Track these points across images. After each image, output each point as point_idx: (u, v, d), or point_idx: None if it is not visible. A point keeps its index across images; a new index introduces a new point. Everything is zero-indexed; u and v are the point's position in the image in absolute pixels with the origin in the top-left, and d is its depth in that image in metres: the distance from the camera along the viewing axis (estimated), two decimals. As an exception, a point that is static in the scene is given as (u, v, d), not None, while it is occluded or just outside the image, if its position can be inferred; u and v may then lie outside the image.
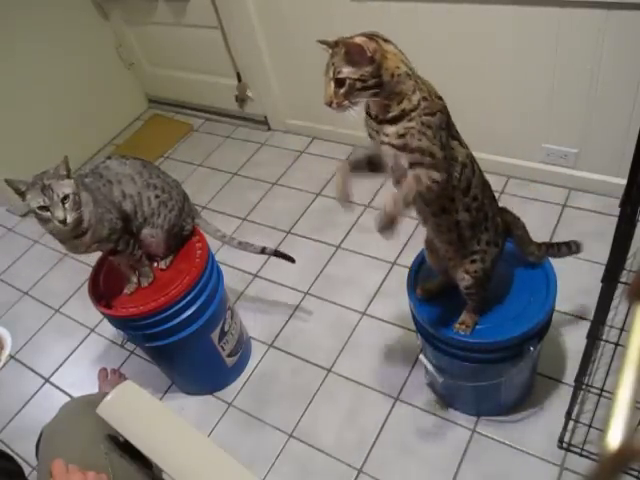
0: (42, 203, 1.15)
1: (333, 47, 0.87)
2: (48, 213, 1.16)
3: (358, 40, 0.83)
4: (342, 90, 0.86)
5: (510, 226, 1.18)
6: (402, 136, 0.89)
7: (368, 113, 0.94)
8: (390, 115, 0.89)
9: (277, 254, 1.65)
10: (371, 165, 1.03)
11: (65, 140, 2.69)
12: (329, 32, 2.25)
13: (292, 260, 1.65)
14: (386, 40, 0.88)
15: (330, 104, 0.88)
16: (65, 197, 1.17)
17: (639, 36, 1.51)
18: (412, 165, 0.91)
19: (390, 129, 0.90)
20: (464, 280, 1.12)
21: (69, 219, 1.17)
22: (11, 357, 1.86)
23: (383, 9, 1.89)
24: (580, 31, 1.59)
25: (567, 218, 1.88)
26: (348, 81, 0.85)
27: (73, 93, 2.73)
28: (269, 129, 2.70)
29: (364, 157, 1.03)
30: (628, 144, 1.58)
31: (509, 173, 2.06)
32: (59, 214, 1.16)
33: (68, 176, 1.19)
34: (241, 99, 2.65)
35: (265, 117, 2.67)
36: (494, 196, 1.11)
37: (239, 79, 2.59)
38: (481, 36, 1.77)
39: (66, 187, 1.17)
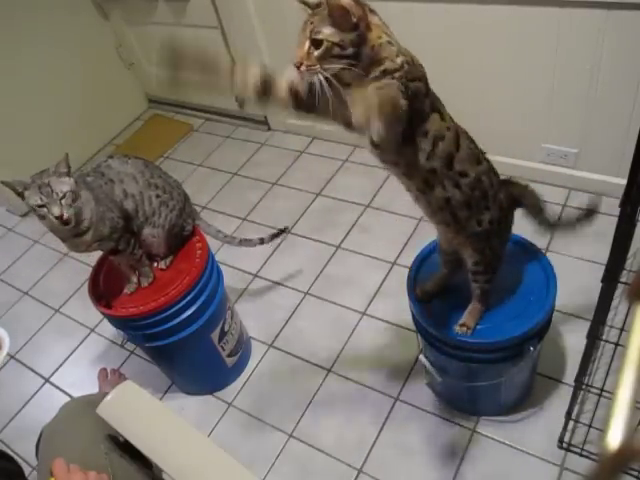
0: (40, 201, 1.16)
1: (314, 7, 0.80)
2: (46, 209, 1.17)
3: (345, 2, 0.76)
4: (317, 52, 0.78)
5: (519, 198, 1.14)
6: (380, 88, 0.82)
7: (335, 83, 0.83)
8: (370, 77, 0.82)
9: (273, 236, 1.71)
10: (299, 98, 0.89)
11: (65, 140, 2.69)
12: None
13: (285, 229, 1.75)
14: (372, 10, 0.83)
15: (299, 66, 0.80)
16: (63, 195, 1.17)
17: (639, 36, 1.51)
18: (383, 73, 0.83)
19: (370, 85, 0.82)
20: (472, 257, 1.09)
21: (66, 215, 1.17)
22: (10, 357, 1.86)
23: (381, 9, 1.87)
24: (580, 31, 1.59)
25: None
26: (325, 43, 0.78)
27: (73, 93, 2.73)
28: (269, 129, 2.70)
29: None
30: (628, 144, 1.58)
31: (509, 173, 2.03)
32: (55, 210, 1.16)
33: (68, 173, 1.19)
34: (241, 99, 2.64)
35: (265, 117, 2.67)
36: (495, 172, 1.08)
37: (239, 79, 2.58)
38: (481, 36, 1.77)
39: (64, 184, 1.17)
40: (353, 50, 0.79)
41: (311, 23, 0.79)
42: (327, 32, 0.78)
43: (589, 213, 1.22)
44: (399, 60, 0.83)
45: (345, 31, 0.78)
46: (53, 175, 1.17)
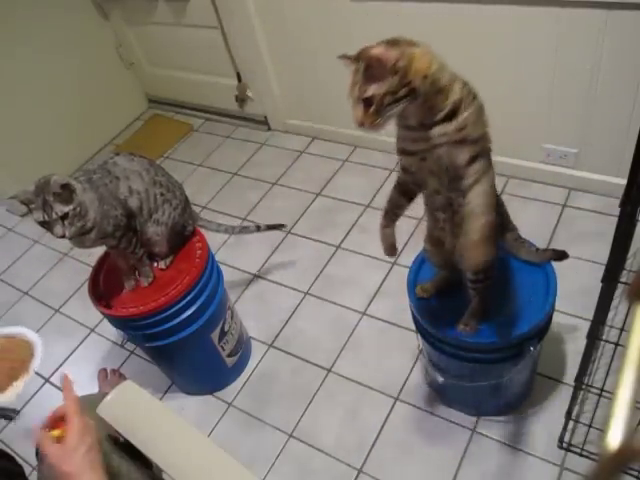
0: (42, 219, 1.16)
1: (354, 60, 0.80)
2: (48, 227, 1.18)
3: (376, 52, 0.77)
4: (372, 109, 0.79)
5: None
6: (462, 129, 0.84)
7: (405, 126, 0.89)
8: (443, 114, 0.84)
9: (270, 227, 1.78)
10: (408, 195, 1.01)
11: (65, 140, 2.69)
12: (329, 32, 2.26)
13: (283, 226, 1.85)
14: (411, 43, 0.81)
15: (362, 125, 0.81)
16: (64, 215, 1.17)
17: (639, 36, 1.51)
18: (473, 159, 0.87)
19: (448, 127, 0.84)
20: (475, 271, 1.09)
21: (68, 235, 1.19)
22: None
23: (383, 9, 1.89)
24: (580, 31, 1.59)
25: (567, 218, 1.88)
26: (376, 98, 0.78)
27: (73, 93, 2.73)
28: (269, 129, 2.70)
29: (397, 200, 1.02)
30: (628, 144, 1.58)
31: (509, 173, 2.06)
32: (58, 231, 1.17)
33: (68, 200, 1.17)
34: (241, 99, 2.65)
35: (265, 117, 2.67)
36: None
37: (239, 79, 2.59)
38: (481, 36, 1.77)
39: (65, 206, 1.17)
40: (405, 89, 0.78)
41: (355, 83, 0.80)
42: (372, 88, 0.78)
43: (558, 254, 1.22)
44: (457, 88, 0.84)
45: (387, 78, 0.77)
46: (54, 195, 1.15)
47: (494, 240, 0.93)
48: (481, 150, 0.88)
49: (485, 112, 0.88)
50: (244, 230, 1.74)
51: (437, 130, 0.85)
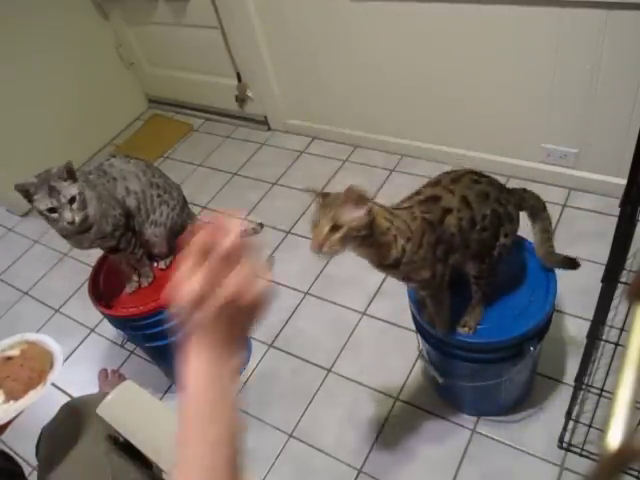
0: (50, 205, 1.16)
1: (323, 197, 0.95)
2: (56, 214, 1.17)
3: (355, 191, 0.88)
4: (338, 235, 0.89)
5: (519, 203, 1.17)
6: (407, 275, 1.03)
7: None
8: (387, 263, 1.00)
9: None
10: None
11: (65, 140, 2.69)
12: (329, 32, 2.26)
13: (261, 225, 1.86)
14: (369, 198, 0.93)
15: (320, 248, 0.90)
16: (72, 198, 1.17)
17: (639, 36, 1.51)
18: (432, 269, 1.03)
19: (395, 272, 1.02)
20: (475, 268, 1.12)
21: (77, 220, 1.19)
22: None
23: (383, 9, 1.89)
24: (580, 31, 1.59)
25: (567, 218, 1.88)
26: (346, 228, 0.89)
27: (73, 93, 2.73)
28: (269, 129, 2.70)
29: None
30: (628, 144, 1.58)
31: (509, 173, 2.06)
32: (67, 216, 1.17)
33: (74, 179, 1.19)
34: (241, 99, 2.65)
35: (265, 117, 2.67)
36: (502, 188, 1.12)
37: (239, 79, 2.59)
38: (481, 36, 1.77)
39: (72, 188, 1.18)
40: (365, 232, 0.92)
41: (328, 212, 0.90)
42: (347, 218, 0.89)
43: (570, 263, 1.24)
44: (399, 246, 0.98)
45: (361, 216, 0.90)
46: (59, 179, 1.17)
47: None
48: (423, 285, 1.07)
49: (429, 248, 1.00)
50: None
51: (385, 269, 1.02)
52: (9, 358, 0.98)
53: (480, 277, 1.14)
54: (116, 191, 1.31)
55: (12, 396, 0.94)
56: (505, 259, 1.14)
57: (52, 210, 1.17)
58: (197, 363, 0.51)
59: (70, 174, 1.18)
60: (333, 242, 0.90)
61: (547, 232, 1.22)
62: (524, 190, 1.20)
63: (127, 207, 1.33)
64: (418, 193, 1.07)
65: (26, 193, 1.17)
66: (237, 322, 0.52)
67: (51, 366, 0.97)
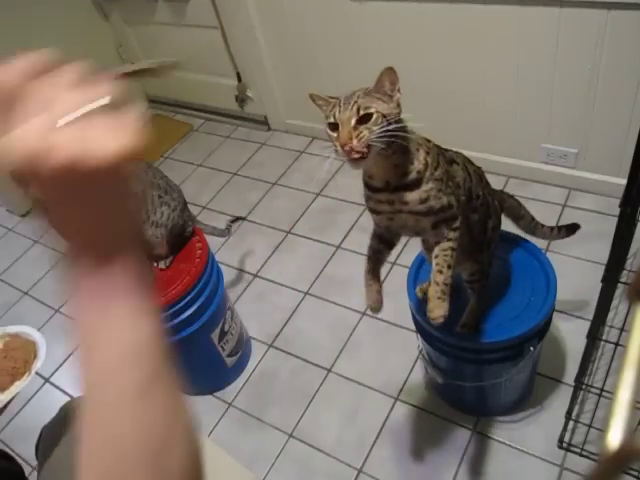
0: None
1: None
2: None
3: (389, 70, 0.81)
4: (366, 125, 0.79)
5: (502, 203, 1.20)
6: (425, 200, 0.87)
7: (370, 186, 0.92)
8: (409, 179, 0.86)
9: (237, 219, 1.88)
10: (387, 243, 1.02)
11: (65, 140, 2.69)
12: (329, 32, 2.26)
13: (243, 218, 1.93)
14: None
15: (346, 146, 0.80)
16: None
17: (639, 36, 1.51)
18: (436, 225, 0.91)
19: (410, 196, 0.87)
20: (471, 269, 1.12)
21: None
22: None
23: (383, 9, 1.89)
24: (580, 31, 1.59)
25: (567, 218, 1.88)
26: (375, 115, 0.79)
27: (73, 93, 2.73)
28: (269, 129, 2.70)
29: (377, 247, 1.02)
30: (628, 144, 1.58)
31: (509, 173, 2.06)
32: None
33: None
34: (241, 99, 2.65)
35: (265, 117, 2.67)
36: (487, 181, 1.12)
37: (239, 79, 2.59)
38: (481, 36, 1.77)
39: None
40: (395, 126, 0.80)
41: (355, 102, 0.81)
42: (376, 105, 0.79)
43: (570, 229, 1.27)
44: (421, 157, 0.87)
45: (392, 101, 0.81)
46: None
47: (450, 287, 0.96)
48: (445, 217, 0.91)
49: (447, 179, 0.90)
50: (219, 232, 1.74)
51: (400, 196, 0.88)
52: None
53: (473, 281, 1.15)
54: None
55: None
56: (494, 262, 1.15)
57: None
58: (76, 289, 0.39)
59: None
60: (363, 133, 0.78)
61: (532, 220, 1.25)
62: (501, 191, 1.23)
63: None
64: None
65: (17, 179, 1.16)
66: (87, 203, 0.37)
67: (35, 355, 0.99)
